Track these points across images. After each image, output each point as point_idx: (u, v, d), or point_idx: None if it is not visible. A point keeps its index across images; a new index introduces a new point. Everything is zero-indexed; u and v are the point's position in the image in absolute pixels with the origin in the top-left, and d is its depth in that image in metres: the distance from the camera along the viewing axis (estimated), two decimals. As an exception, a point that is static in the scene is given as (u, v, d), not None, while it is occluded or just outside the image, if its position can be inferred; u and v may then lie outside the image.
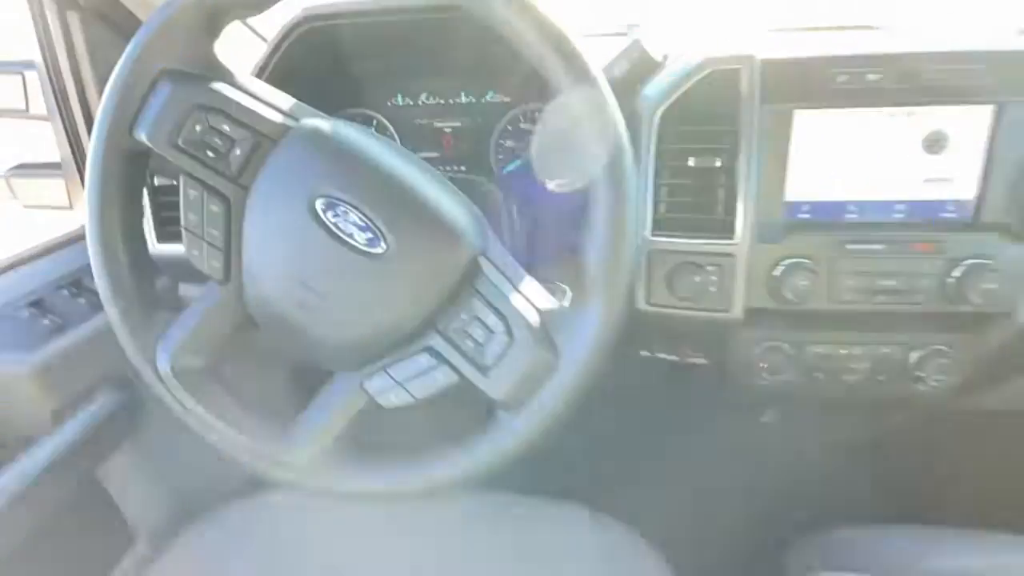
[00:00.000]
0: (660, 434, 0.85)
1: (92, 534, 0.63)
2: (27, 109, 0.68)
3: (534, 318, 0.38)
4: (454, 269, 0.38)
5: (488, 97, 0.73)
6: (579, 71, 0.35)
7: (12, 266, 0.61)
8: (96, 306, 0.61)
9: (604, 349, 0.37)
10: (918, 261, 0.52)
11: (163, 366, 0.41)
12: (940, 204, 0.54)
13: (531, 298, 0.38)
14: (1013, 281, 0.51)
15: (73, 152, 0.67)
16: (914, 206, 0.54)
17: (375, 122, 0.76)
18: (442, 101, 0.74)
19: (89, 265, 0.64)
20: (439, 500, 0.58)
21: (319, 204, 0.37)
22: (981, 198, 0.53)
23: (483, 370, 0.38)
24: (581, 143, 0.36)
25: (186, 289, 0.69)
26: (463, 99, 0.74)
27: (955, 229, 0.53)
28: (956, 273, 0.52)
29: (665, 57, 0.57)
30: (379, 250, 0.37)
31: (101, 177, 0.40)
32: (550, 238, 0.67)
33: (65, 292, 0.60)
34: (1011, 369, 0.61)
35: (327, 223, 0.37)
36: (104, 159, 0.39)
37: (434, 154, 0.75)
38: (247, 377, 0.62)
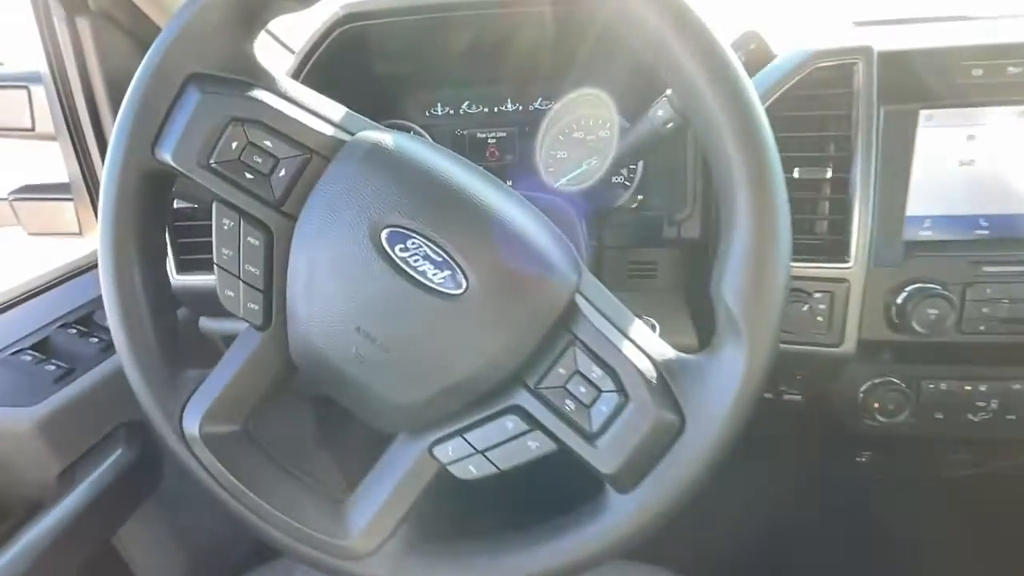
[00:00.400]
0: (746, 491, 0.76)
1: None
2: (33, 128, 0.62)
3: (652, 372, 0.30)
4: (548, 312, 0.30)
5: (537, 104, 0.67)
6: (731, 84, 0.28)
7: (14, 303, 0.54)
8: (107, 347, 0.54)
9: (746, 410, 0.29)
10: None
11: (191, 432, 0.34)
12: (1092, 217, 0.46)
13: (644, 346, 0.31)
14: None
15: (83, 173, 0.61)
16: (1060, 220, 0.46)
17: (411, 132, 0.69)
18: (486, 110, 0.68)
19: (99, 298, 0.58)
20: None
21: (384, 235, 0.30)
22: None
23: (588, 438, 0.31)
24: (716, 151, 0.29)
25: (207, 323, 0.62)
26: (509, 107, 0.67)
27: None
28: None
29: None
30: (457, 290, 0.30)
31: (117, 203, 0.33)
32: (616, 258, 0.60)
33: (73, 331, 0.53)
34: None
35: (394, 258, 0.30)
36: (121, 182, 0.32)
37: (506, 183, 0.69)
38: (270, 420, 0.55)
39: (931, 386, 0.51)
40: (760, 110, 0.29)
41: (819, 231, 0.47)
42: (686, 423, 0.30)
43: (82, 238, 0.69)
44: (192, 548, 0.63)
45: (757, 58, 0.43)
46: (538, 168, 0.67)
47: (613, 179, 0.65)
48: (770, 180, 0.29)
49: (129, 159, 0.32)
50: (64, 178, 0.68)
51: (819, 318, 0.47)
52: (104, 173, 0.33)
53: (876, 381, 0.52)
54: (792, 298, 0.47)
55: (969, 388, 0.51)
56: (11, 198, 0.67)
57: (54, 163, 0.70)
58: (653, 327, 0.41)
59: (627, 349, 0.30)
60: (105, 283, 0.34)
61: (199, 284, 0.57)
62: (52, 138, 0.63)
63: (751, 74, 0.45)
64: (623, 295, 0.48)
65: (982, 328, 0.46)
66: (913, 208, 0.47)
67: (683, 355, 0.31)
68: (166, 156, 0.32)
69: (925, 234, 0.48)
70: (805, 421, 0.57)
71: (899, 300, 0.46)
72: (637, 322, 0.32)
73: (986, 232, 0.47)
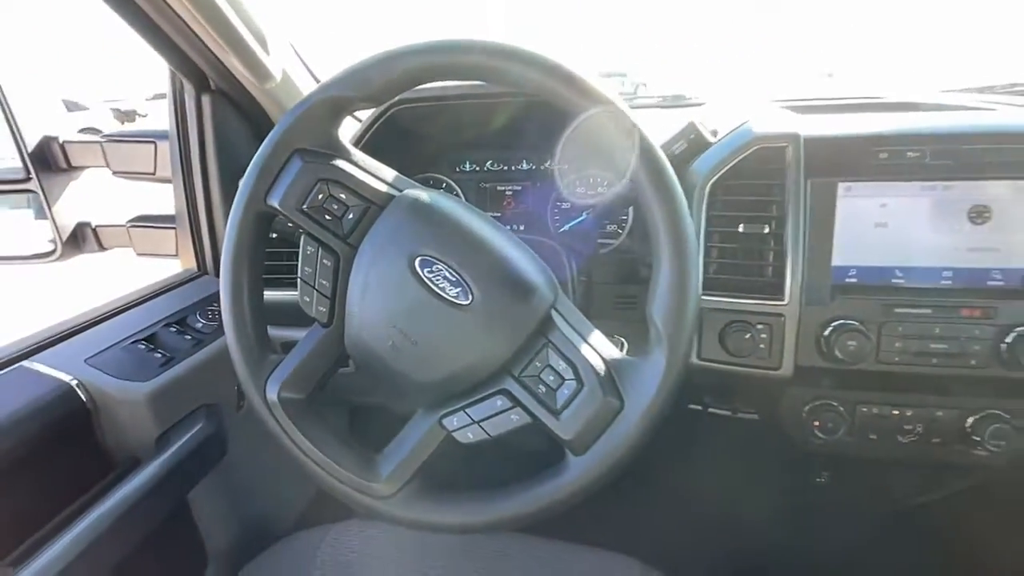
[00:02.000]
0: (717, 491, 0.84)
1: (176, 553, 0.68)
2: (154, 173, 0.80)
3: (601, 367, 0.42)
4: (530, 321, 0.42)
5: (548, 164, 0.81)
6: (664, 178, 0.41)
7: (131, 306, 0.71)
8: (198, 343, 0.69)
9: (669, 397, 0.40)
10: (969, 326, 0.54)
11: (271, 396, 0.47)
12: (986, 272, 0.56)
13: (598, 348, 0.43)
14: None
15: (188, 210, 0.78)
16: (960, 273, 0.56)
17: (444, 184, 0.84)
18: (505, 167, 0.83)
19: (192, 306, 0.73)
20: (493, 541, 0.61)
21: (417, 262, 0.43)
22: None
23: (554, 413, 0.42)
24: (650, 221, 0.41)
25: (271, 331, 0.76)
26: (524, 166, 0.82)
27: (1006, 296, 0.55)
28: (1009, 339, 0.53)
29: (715, 133, 0.63)
30: (466, 302, 0.42)
31: (238, 234, 0.47)
32: (604, 292, 0.72)
33: (173, 329, 0.69)
34: None
35: (423, 278, 0.43)
36: (242, 220, 0.47)
37: (496, 214, 0.83)
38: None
39: (864, 409, 0.60)
40: (681, 199, 0.41)
41: (761, 275, 0.58)
42: (624, 404, 0.41)
43: (177, 259, 0.86)
44: (246, 511, 0.75)
45: (696, 142, 0.56)
46: (546, 217, 0.81)
47: (607, 227, 0.78)
48: (684, 240, 0.41)
49: (249, 204, 0.47)
50: (157, 211, 0.86)
51: (761, 345, 0.58)
52: (231, 213, 0.48)
53: (817, 403, 0.61)
54: (739, 328, 0.58)
55: (897, 413, 0.60)
56: (128, 225, 0.85)
57: (147, 198, 0.89)
58: (621, 345, 0.53)
59: (585, 351, 0.42)
60: (224, 288, 0.48)
61: (271, 298, 0.72)
62: (167, 182, 0.81)
63: (692, 155, 0.58)
64: (610, 321, 0.60)
65: (896, 359, 0.56)
66: (838, 259, 0.58)
67: (625, 356, 0.43)
68: (274, 203, 0.46)
69: (851, 280, 0.58)
70: (763, 437, 0.66)
71: (826, 333, 0.56)
72: (596, 332, 0.44)
73: (902, 281, 0.57)
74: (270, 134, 0.46)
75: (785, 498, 0.75)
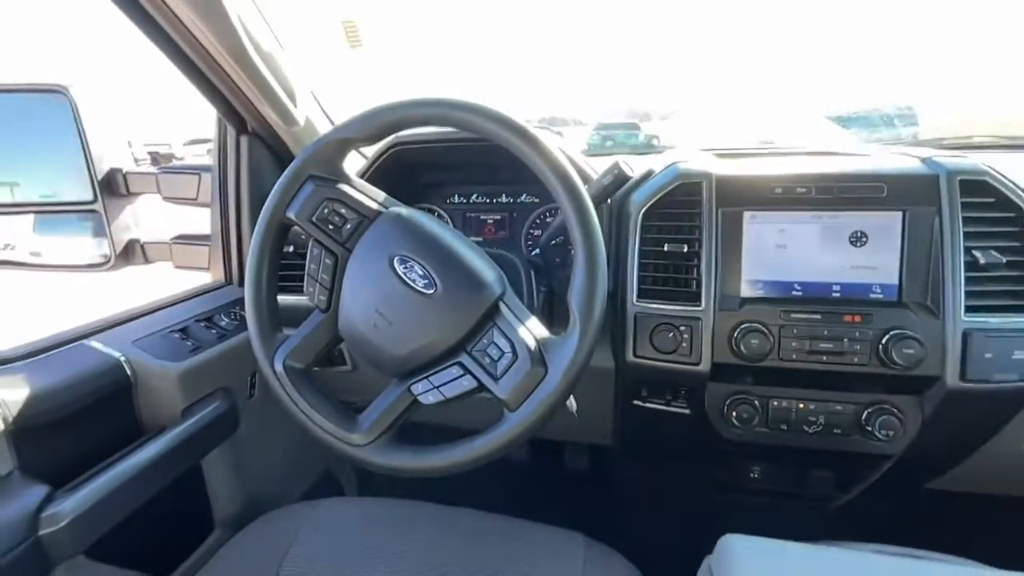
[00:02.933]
0: (659, 478, 0.93)
1: (187, 515, 0.79)
2: (196, 199, 0.96)
3: (532, 343, 0.54)
4: (480, 307, 0.55)
5: (523, 198, 0.96)
6: (577, 197, 0.54)
7: (170, 304, 0.85)
8: (221, 337, 0.83)
9: (582, 365, 0.52)
10: (851, 329, 0.65)
11: (278, 366, 0.60)
12: (868, 286, 0.67)
13: (532, 330, 0.55)
14: (931, 348, 0.62)
15: (223, 231, 0.93)
16: (847, 287, 0.68)
17: (436, 213, 0.99)
18: (487, 200, 0.97)
19: (218, 307, 0.88)
20: (465, 519, 0.70)
21: (395, 260, 0.57)
22: (902, 283, 0.66)
23: (495, 379, 0.54)
24: (572, 236, 0.54)
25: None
26: (504, 199, 0.97)
27: (883, 306, 0.66)
28: (884, 340, 0.64)
29: (650, 171, 0.77)
30: (431, 292, 0.55)
31: (262, 239, 0.61)
32: (559, 299, 0.84)
33: (202, 324, 0.82)
34: (959, 436, 0.69)
35: (399, 273, 0.56)
36: (266, 228, 0.61)
37: (479, 239, 0.97)
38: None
39: (775, 403, 0.71)
40: (593, 216, 0.53)
41: (684, 285, 0.70)
42: (548, 371, 0.53)
43: (208, 272, 1.01)
44: (250, 486, 0.86)
45: (619, 176, 0.69)
46: (520, 242, 0.95)
47: (570, 251, 0.91)
48: (595, 246, 0.52)
49: (273, 215, 0.61)
50: (190, 230, 1.02)
51: (684, 343, 0.69)
52: (258, 224, 0.62)
53: (736, 397, 0.72)
54: (664, 329, 0.70)
55: (802, 406, 0.70)
56: (171, 241, 1.01)
57: (180, 219, 1.05)
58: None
59: (521, 332, 0.54)
60: (248, 281, 0.61)
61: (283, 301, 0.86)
62: (205, 206, 0.97)
63: (616, 187, 0.71)
64: (563, 320, 0.71)
65: (793, 356, 0.67)
66: (747, 275, 0.70)
67: (551, 336, 0.55)
68: (291, 215, 0.60)
69: (758, 292, 0.70)
70: (695, 428, 0.76)
71: (735, 334, 0.68)
72: (532, 319, 0.56)
73: (800, 292, 0.69)
74: (291, 164, 0.61)
75: (723, 486, 0.84)
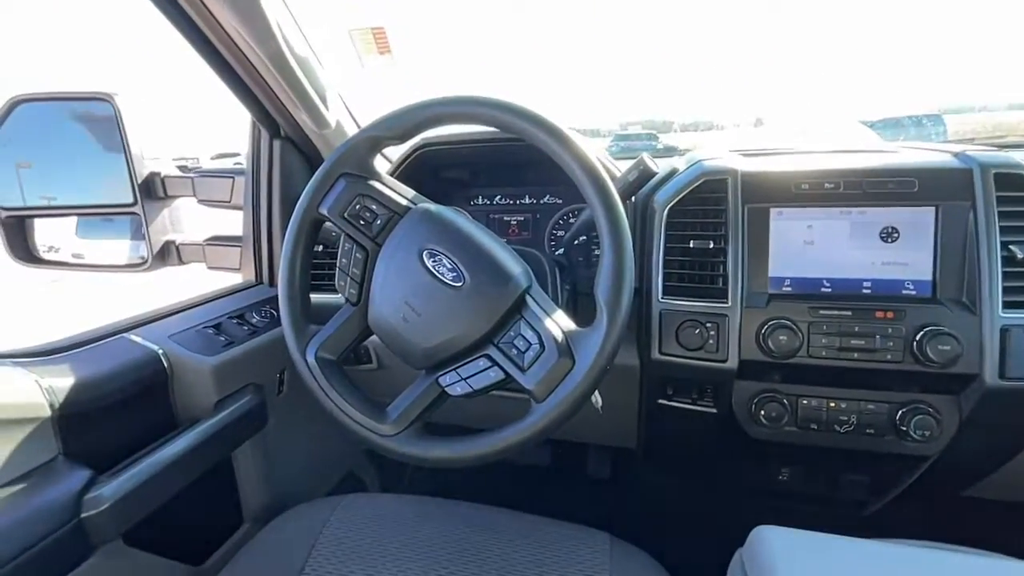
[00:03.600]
0: (685, 483, 0.91)
1: (218, 507, 0.81)
2: (230, 201, 1.00)
3: (560, 335, 0.54)
4: (507, 300, 0.56)
5: (546, 199, 0.97)
6: (605, 190, 0.54)
7: (206, 301, 0.88)
8: (252, 333, 0.85)
9: (609, 356, 0.52)
10: (883, 325, 0.64)
11: (310, 358, 0.61)
12: (900, 283, 0.66)
13: (559, 322, 0.55)
14: (968, 345, 0.61)
15: (254, 232, 0.96)
16: (878, 283, 0.67)
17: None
18: (511, 201, 0.99)
19: (249, 306, 0.90)
20: (483, 514, 0.70)
21: (424, 254, 0.58)
22: (936, 279, 0.65)
23: (522, 370, 0.54)
24: (599, 222, 0.55)
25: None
26: (527, 200, 0.98)
27: (917, 302, 0.65)
28: (918, 337, 0.63)
29: (675, 170, 0.77)
30: (460, 285, 0.56)
31: (296, 235, 0.63)
32: (587, 301, 0.84)
33: (235, 321, 0.85)
34: (998, 437, 0.67)
35: (428, 266, 0.57)
36: (300, 223, 0.63)
37: (503, 239, 0.98)
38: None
39: (804, 402, 0.70)
40: (620, 209, 0.54)
41: (710, 282, 0.70)
42: (575, 363, 0.53)
43: (239, 272, 1.04)
44: (278, 480, 0.88)
45: (644, 171, 0.69)
46: (543, 242, 0.96)
47: (594, 252, 0.92)
48: (622, 239, 0.53)
49: (307, 212, 0.63)
50: (223, 232, 1.05)
51: (711, 340, 0.69)
52: (292, 220, 0.64)
53: (763, 395, 0.71)
54: (690, 325, 0.69)
55: (834, 405, 0.69)
56: (204, 243, 1.04)
57: (211, 221, 1.09)
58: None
59: (548, 324, 0.55)
60: (282, 275, 0.63)
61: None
62: (238, 209, 1.00)
63: (642, 183, 0.72)
64: (585, 315, 0.72)
65: (823, 354, 0.66)
66: (774, 271, 0.69)
67: (578, 328, 0.55)
68: (324, 211, 0.62)
69: (786, 289, 0.69)
70: (722, 427, 0.75)
71: (763, 331, 0.67)
72: (559, 311, 0.57)
73: (829, 289, 0.68)
74: (324, 162, 0.63)
75: (752, 489, 0.82)
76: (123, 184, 0.97)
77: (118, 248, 1.07)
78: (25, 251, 1.02)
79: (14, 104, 0.93)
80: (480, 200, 1.00)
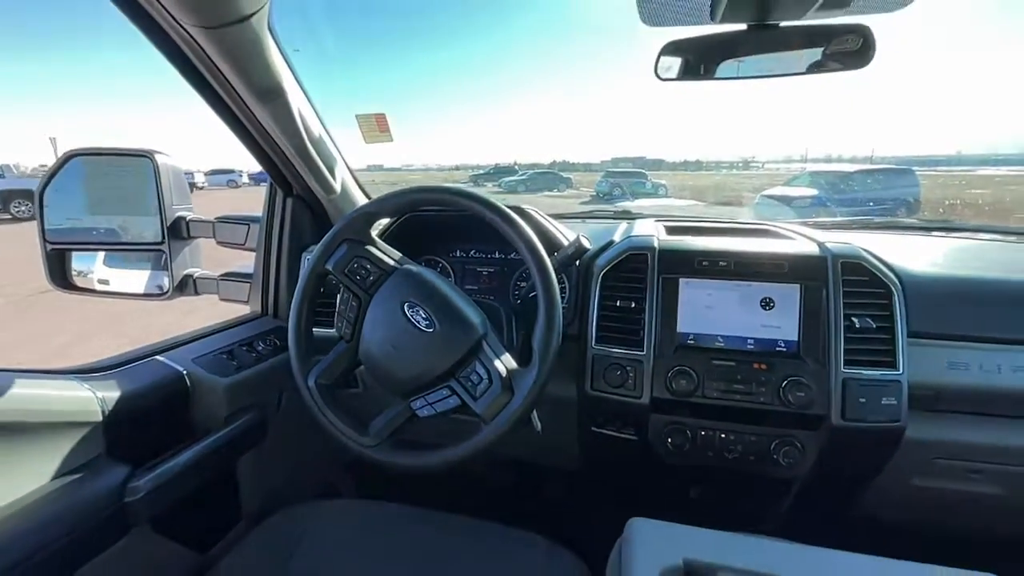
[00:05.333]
0: (618, 495, 1.08)
1: (222, 505, 0.95)
2: (244, 244, 1.17)
3: (504, 373, 0.72)
4: (467, 344, 0.73)
5: (512, 255, 1.16)
6: (541, 265, 0.73)
7: (221, 329, 1.04)
8: (258, 359, 1.01)
9: (539, 391, 0.69)
10: (759, 374, 0.83)
11: (311, 383, 0.78)
12: (774, 341, 0.85)
13: (504, 363, 0.73)
14: (819, 392, 0.80)
15: (264, 271, 1.14)
16: (758, 341, 0.86)
17: (440, 264, 1.19)
18: (483, 255, 1.17)
19: (257, 335, 1.07)
20: (440, 519, 0.86)
21: (405, 306, 0.76)
22: (799, 339, 0.84)
23: (475, 399, 0.71)
24: (537, 285, 0.73)
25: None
26: (496, 255, 1.17)
27: (784, 357, 0.84)
28: (783, 384, 0.81)
29: (611, 242, 0.97)
30: (431, 330, 0.74)
31: (305, 285, 0.81)
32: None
33: (244, 348, 1.01)
34: (849, 464, 0.85)
35: (407, 315, 0.75)
36: (309, 277, 0.80)
37: (475, 287, 1.16)
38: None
39: (703, 433, 0.87)
40: (552, 278, 0.73)
41: (631, 334, 0.89)
42: (514, 395, 0.70)
43: (247, 305, 1.21)
44: (273, 485, 1.02)
45: (579, 249, 0.88)
46: (508, 292, 1.14)
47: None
48: (552, 300, 0.72)
49: (315, 267, 0.80)
50: (232, 268, 1.22)
51: (629, 380, 0.87)
52: (302, 274, 0.81)
53: (673, 426, 0.89)
54: (615, 368, 0.87)
55: (725, 436, 0.86)
56: (218, 278, 1.21)
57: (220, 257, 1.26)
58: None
59: (497, 364, 0.72)
60: (292, 318, 0.80)
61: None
62: (251, 251, 1.18)
63: (577, 256, 0.91)
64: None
65: (715, 395, 0.84)
66: (682, 327, 0.88)
67: (518, 368, 0.73)
68: (328, 267, 0.80)
69: (690, 342, 0.88)
70: (641, 452, 0.93)
71: (669, 375, 0.85)
72: (506, 354, 0.74)
73: (722, 344, 0.87)
74: (331, 230, 0.81)
75: (670, 504, 0.99)
76: (154, 226, 1.14)
77: (140, 278, 1.23)
78: (62, 278, 1.18)
79: (68, 157, 1.10)
80: (458, 253, 1.19)
